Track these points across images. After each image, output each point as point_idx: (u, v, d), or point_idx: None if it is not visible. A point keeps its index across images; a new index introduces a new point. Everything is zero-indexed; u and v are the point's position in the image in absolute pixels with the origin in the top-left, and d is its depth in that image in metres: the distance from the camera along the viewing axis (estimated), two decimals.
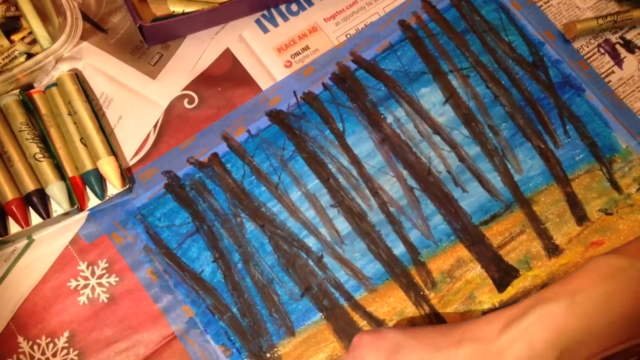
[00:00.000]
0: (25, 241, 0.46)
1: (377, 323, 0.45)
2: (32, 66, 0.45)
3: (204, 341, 0.44)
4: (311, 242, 0.47)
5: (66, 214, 0.45)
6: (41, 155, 0.44)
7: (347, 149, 0.49)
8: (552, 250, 0.47)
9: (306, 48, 0.52)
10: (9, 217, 0.44)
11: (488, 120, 0.50)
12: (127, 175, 0.46)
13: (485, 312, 0.45)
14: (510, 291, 0.46)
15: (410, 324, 0.45)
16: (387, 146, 0.49)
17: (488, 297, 0.46)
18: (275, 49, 0.52)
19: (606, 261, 0.36)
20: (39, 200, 0.44)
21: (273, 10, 0.53)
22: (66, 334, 0.44)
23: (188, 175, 0.48)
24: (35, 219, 0.45)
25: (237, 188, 0.48)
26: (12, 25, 0.49)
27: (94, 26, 0.51)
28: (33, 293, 0.45)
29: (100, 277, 0.45)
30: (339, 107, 0.50)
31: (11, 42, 0.48)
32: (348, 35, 0.52)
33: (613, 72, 0.53)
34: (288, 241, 0.47)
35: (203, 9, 0.49)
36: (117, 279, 0.45)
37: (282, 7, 0.53)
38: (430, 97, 0.51)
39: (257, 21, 0.53)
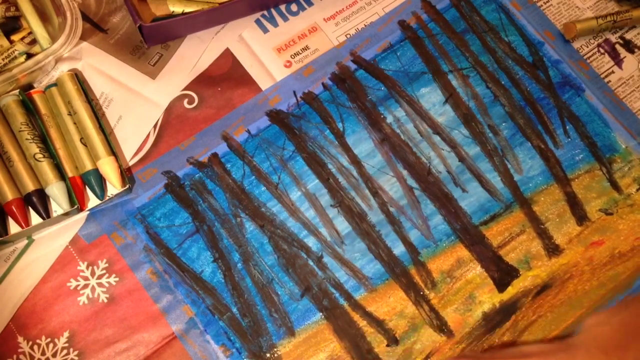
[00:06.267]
0: (25, 241, 0.46)
1: (377, 323, 0.45)
2: (32, 66, 0.45)
3: (204, 341, 0.44)
4: (311, 242, 0.47)
5: (66, 214, 0.45)
6: (41, 156, 0.44)
7: (347, 149, 0.49)
8: (553, 250, 0.47)
9: (306, 48, 0.52)
10: (9, 217, 0.44)
11: (488, 120, 0.50)
12: (127, 175, 0.46)
13: (485, 313, 0.46)
14: (511, 291, 0.46)
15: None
16: (387, 146, 0.49)
17: (488, 297, 0.46)
18: (275, 49, 0.52)
19: None
20: (39, 200, 0.44)
21: (273, 10, 0.53)
22: (66, 334, 0.44)
23: (188, 175, 0.48)
24: (35, 219, 0.44)
25: (237, 188, 0.48)
26: (12, 25, 0.49)
27: (94, 26, 0.51)
28: (33, 293, 0.45)
29: (100, 277, 0.45)
30: (339, 107, 0.50)
31: (11, 42, 0.48)
32: (348, 35, 0.52)
33: (613, 72, 0.53)
34: (288, 241, 0.47)
35: (203, 9, 0.49)
36: (117, 279, 0.45)
37: (282, 7, 0.53)
38: (430, 97, 0.51)
39: (257, 21, 0.53)
